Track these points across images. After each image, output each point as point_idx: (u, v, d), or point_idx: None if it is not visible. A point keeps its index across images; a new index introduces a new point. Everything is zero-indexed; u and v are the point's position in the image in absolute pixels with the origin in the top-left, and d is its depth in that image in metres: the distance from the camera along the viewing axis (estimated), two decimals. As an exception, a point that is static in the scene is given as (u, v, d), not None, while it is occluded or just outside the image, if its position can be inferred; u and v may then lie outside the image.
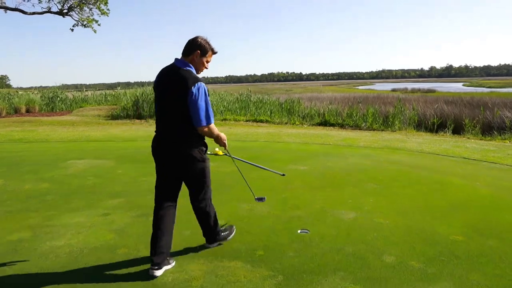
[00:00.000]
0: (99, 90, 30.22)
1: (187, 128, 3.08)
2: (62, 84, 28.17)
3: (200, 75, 3.23)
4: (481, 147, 9.03)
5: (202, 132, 3.11)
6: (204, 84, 3.05)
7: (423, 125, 13.66)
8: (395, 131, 12.87)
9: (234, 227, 3.92)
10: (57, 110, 21.27)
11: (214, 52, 3.25)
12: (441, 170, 6.61)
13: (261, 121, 15.29)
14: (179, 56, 3.21)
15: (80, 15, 18.85)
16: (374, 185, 5.70)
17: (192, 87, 2.95)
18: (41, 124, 14.63)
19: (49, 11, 18.49)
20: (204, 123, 3.03)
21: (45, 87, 28.72)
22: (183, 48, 3.20)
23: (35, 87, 28.85)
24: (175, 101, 3.02)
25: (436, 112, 14.93)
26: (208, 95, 3.10)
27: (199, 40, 3.14)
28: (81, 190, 5.73)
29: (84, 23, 18.98)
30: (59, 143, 10.42)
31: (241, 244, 3.71)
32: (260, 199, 4.04)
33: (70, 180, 6.36)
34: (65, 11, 18.42)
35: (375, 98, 25.76)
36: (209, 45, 3.18)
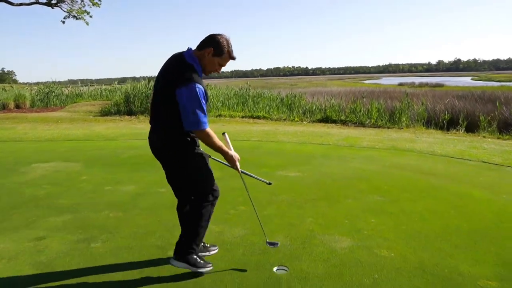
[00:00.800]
0: (93, 85, 29.37)
1: (171, 123, 2.72)
2: (68, 79, 27.51)
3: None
4: (501, 148, 7.96)
5: (198, 138, 2.80)
6: (201, 85, 2.64)
7: (433, 122, 12.55)
8: (402, 128, 11.81)
9: (211, 266, 3.01)
10: (52, 106, 20.51)
11: (231, 57, 2.84)
12: (458, 178, 5.58)
13: (258, 117, 14.28)
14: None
15: (70, 6, 17.92)
16: (378, 198, 4.71)
17: (183, 86, 2.58)
18: (24, 121, 13.75)
19: (37, 2, 17.59)
20: (192, 127, 2.66)
21: (53, 82, 27.98)
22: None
23: (42, 82, 27.93)
24: (164, 94, 2.70)
25: (447, 107, 13.82)
26: (204, 98, 2.68)
27: (218, 38, 2.76)
28: (28, 203, 4.82)
29: (75, 14, 18.06)
30: (33, 142, 9.51)
31: (195, 286, 2.76)
32: (272, 244, 3.16)
33: (22, 189, 5.45)
34: (53, 2, 17.49)
35: (381, 92, 24.73)
36: (228, 47, 2.78)
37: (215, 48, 2.73)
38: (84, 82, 34.03)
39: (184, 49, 2.85)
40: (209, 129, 2.72)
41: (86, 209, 4.56)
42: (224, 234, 3.72)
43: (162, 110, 2.75)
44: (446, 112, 12.81)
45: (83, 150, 8.22)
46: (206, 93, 2.70)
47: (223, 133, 3.14)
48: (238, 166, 2.98)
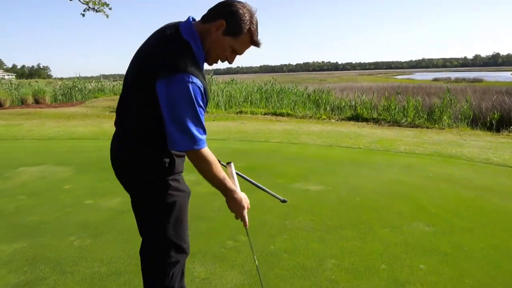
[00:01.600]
0: (116, 80, 29.20)
1: (146, 128, 1.69)
2: (101, 74, 27.58)
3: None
4: None
5: (189, 159, 1.68)
6: (197, 79, 1.57)
7: (479, 121, 11.06)
8: (443, 128, 10.42)
9: None
10: (74, 101, 20.22)
11: (253, 41, 1.73)
12: (529, 199, 4.33)
13: (282, 114, 13.15)
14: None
15: (89, -2, 17.29)
16: (425, 227, 3.55)
17: (168, 77, 1.52)
18: (36, 117, 13.19)
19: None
20: (178, 146, 1.60)
21: (85, 77, 28.27)
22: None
23: (74, 77, 28.07)
24: (139, 85, 1.66)
25: (494, 105, 12.24)
26: (203, 100, 1.61)
27: (237, 7, 1.67)
28: (-11, 221, 3.97)
29: (93, 7, 17.42)
30: (34, 141, 8.80)
31: None
32: None
33: (-6, 199, 4.63)
34: (70, -8, 16.89)
35: (415, 88, 23.10)
36: (250, 23, 1.68)
37: (228, 22, 1.66)
38: (115, 77, 34.17)
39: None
40: (206, 150, 1.65)
41: (51, 231, 3.65)
42: (211, 282, 2.68)
43: (135, 107, 1.71)
44: (495, 111, 11.27)
45: (81, 151, 7.40)
46: (206, 91, 1.64)
47: (228, 163, 2.00)
48: (246, 217, 1.86)
